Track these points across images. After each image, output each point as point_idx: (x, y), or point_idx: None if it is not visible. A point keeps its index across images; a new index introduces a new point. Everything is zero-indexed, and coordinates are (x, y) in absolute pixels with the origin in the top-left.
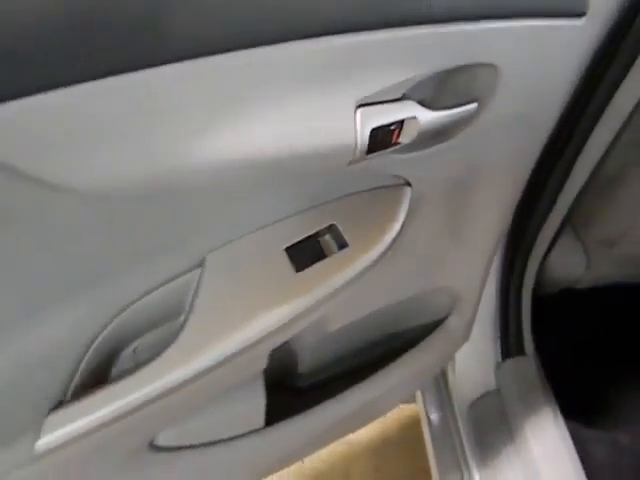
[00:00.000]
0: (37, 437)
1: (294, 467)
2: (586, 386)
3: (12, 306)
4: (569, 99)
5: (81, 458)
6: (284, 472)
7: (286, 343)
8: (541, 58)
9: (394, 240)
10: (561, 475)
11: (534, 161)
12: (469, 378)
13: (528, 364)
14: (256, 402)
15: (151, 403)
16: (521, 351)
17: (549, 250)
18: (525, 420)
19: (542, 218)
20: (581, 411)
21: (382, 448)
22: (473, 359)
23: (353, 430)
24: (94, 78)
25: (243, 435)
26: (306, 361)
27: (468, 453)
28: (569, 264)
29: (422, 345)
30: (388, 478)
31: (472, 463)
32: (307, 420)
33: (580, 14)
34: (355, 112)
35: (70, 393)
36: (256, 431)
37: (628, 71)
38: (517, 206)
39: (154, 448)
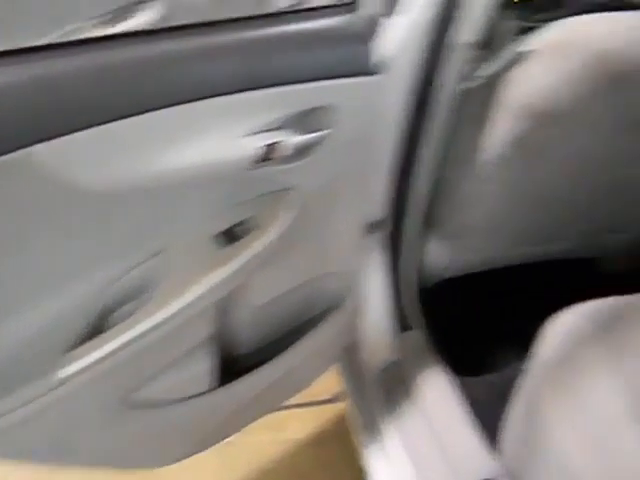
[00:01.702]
0: (57, 369)
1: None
2: (466, 348)
3: (44, 279)
4: (395, 126)
5: (83, 390)
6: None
7: (228, 321)
8: (360, 101)
9: (283, 231)
10: (450, 415)
11: (385, 168)
12: (376, 351)
13: (419, 335)
14: (205, 366)
15: (130, 345)
16: (413, 326)
17: (419, 244)
18: (419, 380)
19: (404, 212)
20: (464, 366)
21: (322, 442)
22: (378, 334)
23: (282, 399)
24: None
25: (194, 396)
26: (244, 334)
27: (379, 416)
28: (435, 258)
29: (325, 323)
30: (330, 469)
31: (383, 423)
32: (245, 383)
33: (373, 73)
34: (245, 138)
35: (77, 342)
36: (204, 393)
37: (435, 107)
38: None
39: (127, 404)
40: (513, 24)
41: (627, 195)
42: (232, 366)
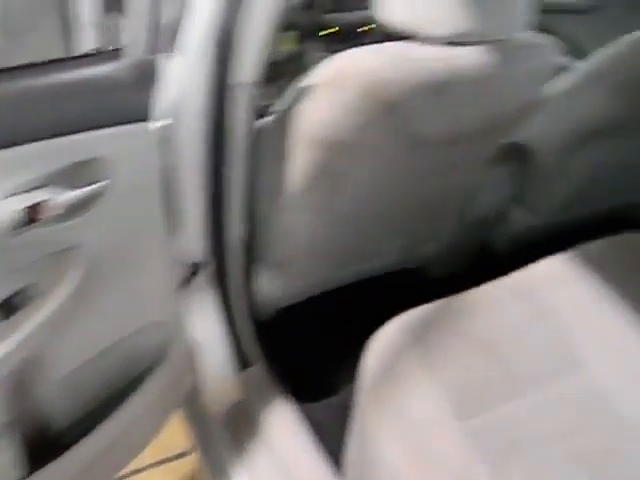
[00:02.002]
0: None
1: None
2: (306, 374)
3: None
4: (196, 169)
5: None
6: None
7: (28, 401)
8: (139, 149)
9: (72, 292)
10: (296, 446)
11: (195, 210)
12: (218, 394)
13: (260, 370)
14: (5, 457)
15: None
16: (254, 361)
17: (248, 279)
18: (264, 416)
19: (224, 249)
20: (306, 393)
21: None
22: (218, 376)
23: (117, 468)
24: None
25: None
26: (54, 410)
27: (228, 459)
28: (267, 289)
29: (153, 377)
30: None
31: (232, 466)
32: (67, 462)
33: (152, 119)
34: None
35: None
36: None
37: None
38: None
39: None
40: (319, 56)
41: (429, 207)
42: (48, 448)
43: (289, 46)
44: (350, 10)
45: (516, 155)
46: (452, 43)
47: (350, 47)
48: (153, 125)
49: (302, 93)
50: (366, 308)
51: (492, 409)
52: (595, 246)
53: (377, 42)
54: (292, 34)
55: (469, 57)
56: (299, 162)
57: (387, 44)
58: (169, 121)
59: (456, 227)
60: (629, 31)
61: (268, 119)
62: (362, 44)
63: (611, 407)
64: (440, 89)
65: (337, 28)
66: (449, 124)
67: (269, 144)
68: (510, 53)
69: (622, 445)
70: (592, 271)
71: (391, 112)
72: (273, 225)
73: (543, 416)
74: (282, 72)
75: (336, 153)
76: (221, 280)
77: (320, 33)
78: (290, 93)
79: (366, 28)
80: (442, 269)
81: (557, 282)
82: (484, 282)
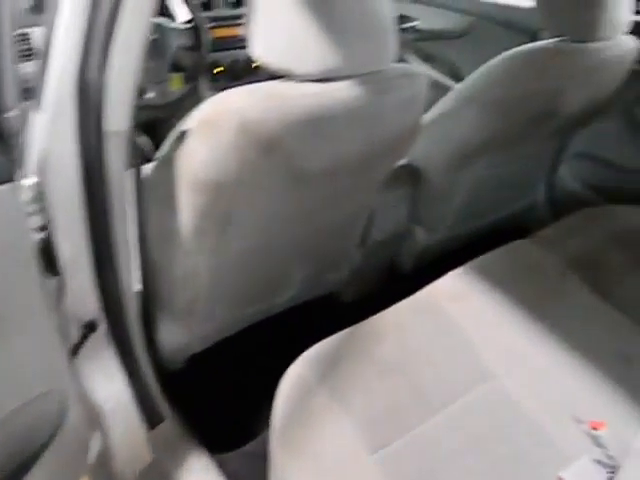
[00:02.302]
0: None
1: None
2: (220, 423)
3: None
4: (75, 223)
5: None
6: None
7: None
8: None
9: None
10: None
11: (80, 267)
12: (129, 455)
13: (172, 426)
14: None
15: None
16: (165, 416)
17: (150, 331)
18: (179, 473)
19: (121, 304)
20: (222, 443)
21: None
22: (128, 437)
23: None
24: None
25: None
26: None
27: None
28: (173, 339)
29: (52, 448)
30: None
31: None
32: None
33: (16, 178)
34: None
35: None
36: None
37: None
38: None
39: None
40: (209, 94)
41: (328, 237)
42: None
43: (178, 87)
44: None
45: (408, 177)
46: (326, 79)
47: (238, 85)
48: (20, 184)
49: (182, 136)
50: (278, 345)
51: (405, 433)
52: (489, 258)
53: (265, 79)
54: (179, 75)
55: (342, 92)
56: (186, 206)
57: (263, 83)
58: (38, 178)
59: (359, 252)
60: (498, 51)
61: (152, 164)
62: (250, 82)
63: (521, 414)
64: (316, 125)
65: (222, 67)
66: (329, 158)
67: (154, 190)
68: (383, 84)
69: (533, 448)
70: (488, 282)
71: (270, 150)
72: (170, 272)
73: (456, 430)
74: (176, 112)
75: (221, 194)
76: (119, 337)
77: (214, 71)
78: (172, 136)
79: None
80: (353, 294)
81: (458, 297)
82: (395, 302)
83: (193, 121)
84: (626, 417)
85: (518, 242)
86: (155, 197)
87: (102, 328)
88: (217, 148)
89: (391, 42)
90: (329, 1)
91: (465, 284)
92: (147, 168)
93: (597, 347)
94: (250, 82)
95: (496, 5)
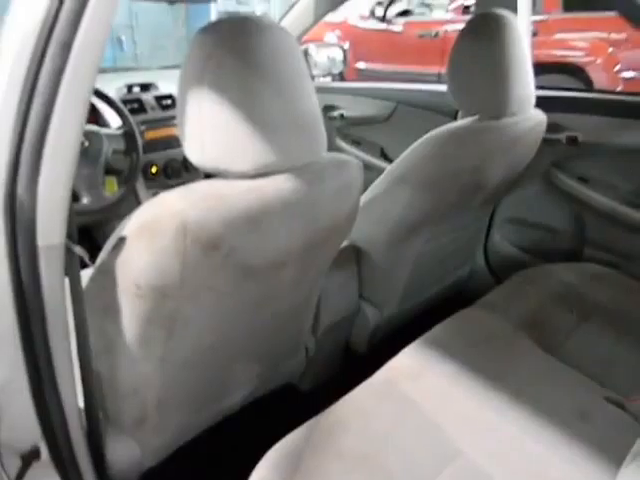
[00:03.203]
0: None
1: None
2: None
3: None
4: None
5: None
6: None
7: None
8: None
9: None
10: None
11: (18, 391)
12: None
13: None
14: None
15: None
16: None
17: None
18: None
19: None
20: None
21: None
22: None
23: None
24: None
25: None
26: None
27: None
28: (126, 455)
29: None
30: None
31: None
32: None
33: None
34: None
35: None
36: None
37: None
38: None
39: None
40: (147, 195)
41: (280, 328)
42: None
43: (113, 190)
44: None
45: (353, 257)
46: (262, 174)
47: (176, 184)
48: None
49: (120, 242)
50: (238, 446)
51: None
52: (439, 330)
53: (202, 177)
54: (114, 178)
55: (279, 186)
56: (129, 314)
57: (200, 183)
58: None
59: (312, 338)
60: (421, 132)
61: (90, 272)
62: (186, 182)
63: None
64: (257, 221)
65: (157, 167)
66: (273, 252)
67: (94, 299)
68: (318, 174)
69: None
70: (442, 356)
71: (213, 250)
72: (116, 384)
73: None
74: (116, 215)
75: (166, 298)
76: (65, 462)
77: (151, 171)
78: (109, 243)
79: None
80: (310, 381)
81: (414, 375)
82: (354, 386)
83: (131, 226)
84: (594, 474)
85: (465, 311)
86: (95, 306)
87: (45, 454)
88: (158, 252)
89: (321, 134)
90: (258, 100)
91: (419, 361)
92: (85, 276)
93: (558, 408)
94: (186, 182)
95: (416, 90)
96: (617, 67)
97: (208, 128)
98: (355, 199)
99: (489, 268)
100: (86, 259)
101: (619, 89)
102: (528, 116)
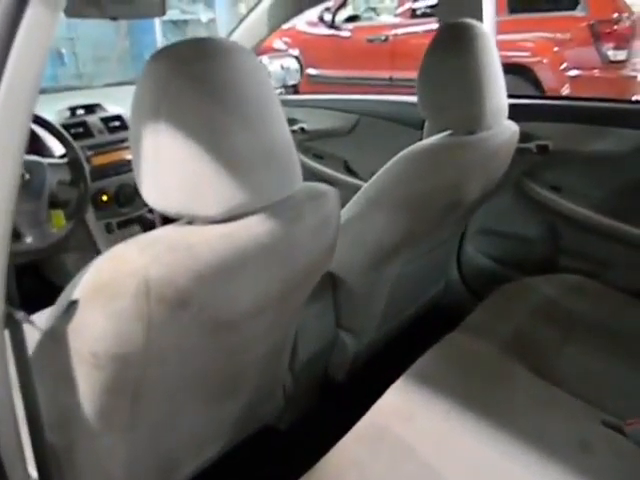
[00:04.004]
0: None
1: None
2: None
3: None
4: None
5: None
6: None
7: None
8: None
9: None
10: None
11: None
12: None
13: None
14: None
15: None
16: None
17: None
18: None
19: None
20: None
21: None
22: None
23: None
24: None
25: None
26: None
27: None
28: None
29: None
30: None
31: None
32: None
33: None
34: None
35: None
36: None
37: None
38: None
39: None
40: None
41: (259, 369)
42: None
43: (60, 225)
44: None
45: (329, 284)
46: (234, 217)
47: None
48: None
49: (73, 306)
50: None
51: None
52: (424, 361)
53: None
54: (60, 212)
55: (253, 228)
56: (86, 383)
57: (162, 231)
58: None
59: (290, 375)
60: (385, 144)
61: (39, 336)
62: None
63: None
64: (230, 270)
65: (108, 195)
66: (248, 301)
67: (45, 366)
68: (295, 211)
69: None
70: (431, 389)
71: (181, 309)
72: (74, 457)
73: None
74: (64, 248)
75: (128, 366)
76: None
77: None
78: (59, 305)
79: None
80: (290, 420)
81: (405, 415)
82: (335, 420)
83: (84, 288)
84: None
85: (449, 336)
86: (46, 374)
87: None
88: (117, 317)
89: (296, 164)
90: (223, 134)
91: (409, 399)
92: (33, 340)
93: (558, 439)
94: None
95: (379, 102)
96: (563, 66)
97: (168, 168)
98: (334, 231)
99: (463, 281)
100: (34, 325)
101: (566, 87)
102: (502, 129)
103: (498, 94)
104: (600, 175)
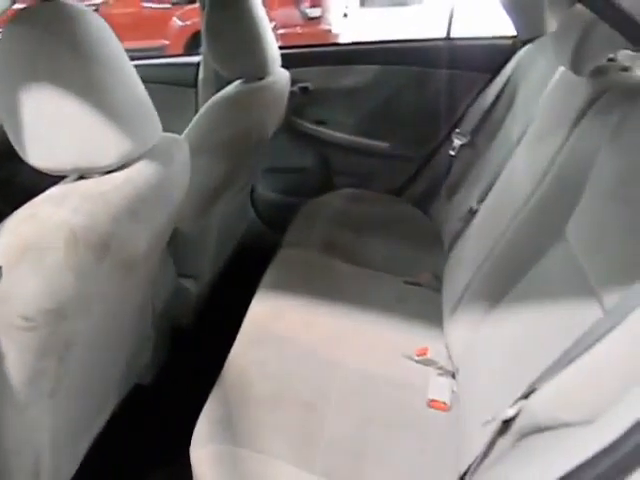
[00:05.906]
0: None
1: None
2: None
3: None
4: None
5: None
6: None
7: None
8: None
9: None
10: None
11: None
12: None
13: None
14: None
15: None
16: None
17: None
18: None
19: None
20: None
21: None
22: None
23: None
24: None
25: None
26: None
27: None
28: None
29: None
30: None
31: None
32: None
33: None
34: None
35: None
36: None
37: None
38: None
39: None
40: None
41: (138, 322)
42: None
43: None
44: None
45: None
46: (125, 165)
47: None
48: None
49: None
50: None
51: (320, 441)
52: (270, 277)
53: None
54: None
55: (144, 172)
56: (16, 351)
57: (66, 187)
58: None
59: (149, 326)
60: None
61: None
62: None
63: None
64: (137, 210)
65: None
66: (147, 239)
67: None
68: (167, 155)
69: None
70: (287, 295)
71: (103, 251)
72: (4, 439)
73: (346, 414)
74: None
75: (63, 319)
76: None
77: None
78: None
79: None
80: (152, 374)
81: (276, 316)
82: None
83: (6, 254)
84: (429, 336)
85: (279, 254)
86: None
87: None
88: (48, 272)
89: (155, 114)
90: (102, 88)
91: (273, 304)
92: None
93: (380, 298)
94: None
95: (152, 66)
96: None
97: (54, 127)
98: (187, 174)
99: (259, 216)
100: None
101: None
102: (280, 74)
103: (273, 44)
104: (352, 105)
